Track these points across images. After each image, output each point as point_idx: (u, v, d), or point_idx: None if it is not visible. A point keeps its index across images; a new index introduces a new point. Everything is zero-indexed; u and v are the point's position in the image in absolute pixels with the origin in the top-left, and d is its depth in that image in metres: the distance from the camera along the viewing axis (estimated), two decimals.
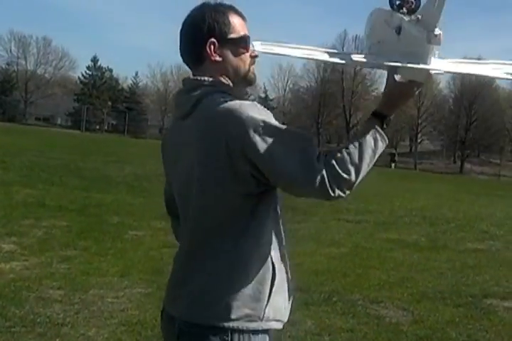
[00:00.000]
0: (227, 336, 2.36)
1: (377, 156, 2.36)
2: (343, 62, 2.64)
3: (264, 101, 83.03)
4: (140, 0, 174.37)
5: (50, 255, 8.61)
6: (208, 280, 2.40)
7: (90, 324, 6.00)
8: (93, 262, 8.44)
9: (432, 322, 7.00)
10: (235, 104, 2.31)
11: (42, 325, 5.84)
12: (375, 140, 2.35)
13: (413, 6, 2.45)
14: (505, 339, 6.70)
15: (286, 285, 2.52)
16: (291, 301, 2.57)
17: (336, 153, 2.27)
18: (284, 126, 2.31)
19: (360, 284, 8.51)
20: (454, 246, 12.79)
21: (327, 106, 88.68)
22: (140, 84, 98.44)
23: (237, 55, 2.51)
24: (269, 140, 2.24)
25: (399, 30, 2.42)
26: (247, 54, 2.53)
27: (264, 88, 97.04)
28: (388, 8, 2.56)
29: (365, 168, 2.30)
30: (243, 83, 2.58)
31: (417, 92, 2.44)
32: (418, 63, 2.27)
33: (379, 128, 2.38)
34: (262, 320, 2.39)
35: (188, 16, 2.53)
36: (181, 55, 2.58)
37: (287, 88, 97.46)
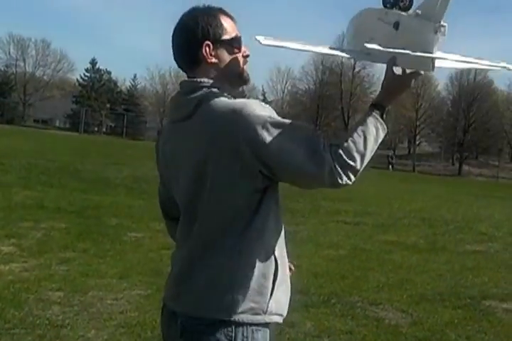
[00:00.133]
0: (231, 331, 2.40)
1: (378, 144, 2.48)
2: (348, 56, 2.87)
3: None
4: (139, 3, 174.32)
5: (49, 257, 8.61)
6: (213, 274, 2.44)
7: (90, 326, 6.01)
8: (92, 264, 8.44)
9: (431, 324, 7.00)
10: (240, 102, 2.39)
11: (41, 326, 5.84)
12: (377, 129, 2.48)
13: (407, 4, 2.60)
14: None
15: (287, 280, 2.59)
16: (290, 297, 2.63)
17: (342, 143, 2.36)
18: (288, 121, 2.39)
19: (359, 286, 8.52)
20: (452, 248, 12.79)
21: (325, 109, 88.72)
22: (138, 86, 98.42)
23: (231, 55, 2.59)
24: (277, 135, 2.32)
25: (397, 26, 2.57)
26: (240, 54, 2.61)
27: (263, 90, 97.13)
28: (378, 7, 2.72)
29: (368, 156, 2.41)
30: (239, 82, 2.67)
31: (412, 84, 2.57)
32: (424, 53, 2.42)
33: (380, 118, 2.50)
34: (265, 314, 2.46)
35: (180, 21, 2.61)
36: (175, 60, 2.65)
37: (285, 90, 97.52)
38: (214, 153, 2.38)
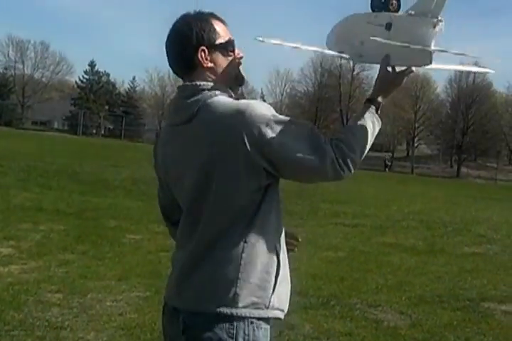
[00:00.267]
0: (233, 329, 2.44)
1: (374, 137, 2.64)
2: (346, 56, 3.03)
3: None
4: (138, 5, 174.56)
5: (48, 259, 8.61)
6: (216, 270, 2.48)
7: (89, 327, 6.01)
8: (91, 266, 8.44)
9: (430, 326, 7.00)
10: (243, 103, 2.46)
11: (41, 328, 5.84)
12: (373, 123, 2.64)
13: (396, 7, 2.79)
14: None
15: (288, 276, 2.63)
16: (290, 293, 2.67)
17: (342, 136, 2.54)
18: (289, 118, 2.49)
19: (358, 288, 8.52)
20: (451, 250, 12.80)
21: (324, 111, 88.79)
22: (137, 88, 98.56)
23: (226, 58, 2.64)
24: (281, 133, 2.42)
25: (389, 26, 2.73)
26: (234, 56, 2.67)
27: (262, 93, 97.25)
28: (364, 12, 2.92)
29: (367, 148, 2.58)
30: (236, 84, 2.71)
31: (404, 80, 2.74)
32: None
33: (375, 113, 2.68)
34: (267, 308, 2.50)
35: (174, 28, 2.65)
36: (171, 66, 2.70)
37: (284, 93, 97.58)
38: (219, 153, 2.43)
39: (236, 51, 2.68)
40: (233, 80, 2.68)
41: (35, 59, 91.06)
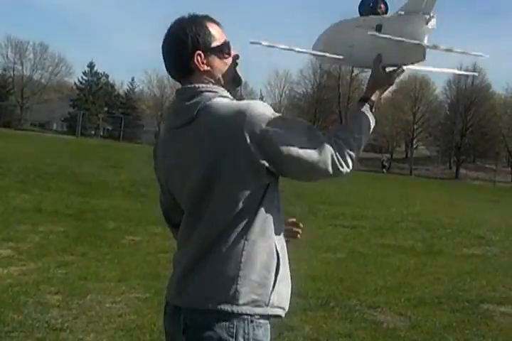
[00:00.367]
0: (233, 327, 2.46)
1: (369, 135, 2.75)
2: (339, 57, 3.11)
3: None
4: (137, 6, 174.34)
5: (47, 260, 8.61)
6: (216, 267, 2.50)
7: (89, 329, 6.01)
8: (90, 267, 8.44)
9: (429, 328, 7.01)
10: (243, 103, 2.51)
11: (40, 330, 5.85)
12: (368, 121, 2.75)
13: (384, 10, 2.94)
14: None
15: (288, 275, 2.65)
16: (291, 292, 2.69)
17: (340, 134, 2.64)
18: (289, 117, 2.60)
19: (357, 289, 8.52)
20: (450, 252, 12.82)
21: (323, 112, 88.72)
22: (136, 89, 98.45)
23: (222, 60, 2.67)
24: (282, 131, 2.48)
25: (380, 28, 2.86)
26: (231, 57, 2.70)
27: (261, 95, 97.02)
28: (351, 18, 3.08)
29: (362, 146, 2.69)
30: (233, 85, 2.74)
31: (397, 80, 2.87)
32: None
33: (369, 111, 2.78)
34: (267, 306, 2.53)
35: (169, 33, 2.68)
36: (168, 70, 2.73)
37: (283, 94, 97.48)
38: (221, 154, 2.46)
39: (232, 52, 2.71)
40: (231, 81, 2.71)
41: (34, 60, 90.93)
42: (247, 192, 2.48)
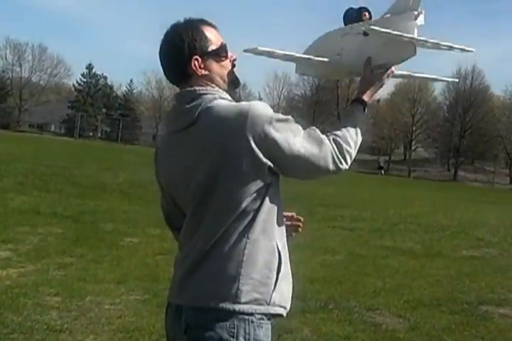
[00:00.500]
0: (234, 328, 2.47)
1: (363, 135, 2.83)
2: (326, 59, 3.22)
3: None
4: (135, 8, 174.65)
5: (46, 262, 8.60)
6: (219, 266, 2.51)
7: (88, 330, 6.01)
8: (89, 269, 8.43)
9: (429, 329, 7.01)
10: (245, 104, 2.52)
11: (40, 331, 5.84)
12: (363, 120, 2.86)
13: (368, 17, 3.07)
14: None
15: (289, 273, 2.67)
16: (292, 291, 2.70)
17: (338, 132, 2.72)
18: (289, 117, 2.60)
19: (356, 291, 8.52)
20: (449, 254, 12.81)
21: (321, 114, 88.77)
22: (135, 91, 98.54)
23: (220, 63, 2.69)
24: (283, 130, 2.52)
25: (367, 33, 2.98)
26: (228, 60, 2.72)
27: (259, 96, 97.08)
28: (337, 27, 3.21)
29: (358, 144, 2.77)
30: (231, 87, 2.75)
31: (387, 80, 2.97)
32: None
33: (363, 111, 2.88)
34: (269, 305, 2.54)
35: (165, 39, 2.69)
36: (166, 75, 2.75)
37: (282, 96, 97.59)
38: (225, 154, 2.47)
39: (229, 55, 2.73)
40: (229, 84, 2.72)
41: (32, 62, 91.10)
42: (250, 192, 2.49)
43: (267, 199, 2.55)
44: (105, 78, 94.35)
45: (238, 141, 2.44)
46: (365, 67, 2.95)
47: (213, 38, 2.66)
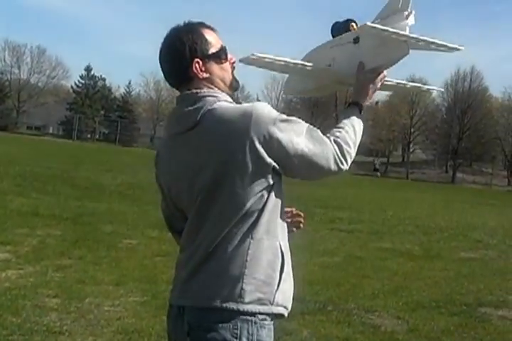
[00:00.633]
0: (237, 329, 2.47)
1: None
2: (310, 64, 3.22)
3: None
4: (134, 9, 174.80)
5: (45, 264, 8.60)
6: (222, 266, 2.52)
7: (87, 332, 6.01)
8: (88, 271, 8.43)
9: (427, 331, 7.01)
10: (248, 105, 2.55)
11: (39, 333, 5.84)
12: (360, 122, 2.89)
13: (356, 28, 3.09)
14: None
15: (291, 274, 2.68)
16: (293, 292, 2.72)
17: (338, 134, 2.74)
18: (290, 117, 2.61)
19: (355, 293, 8.52)
20: (447, 255, 12.82)
21: (320, 116, 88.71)
22: (133, 92, 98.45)
23: (220, 66, 2.70)
24: (287, 131, 2.54)
25: (357, 39, 3.05)
26: (228, 62, 2.74)
27: (257, 98, 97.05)
28: (325, 41, 3.26)
29: (357, 144, 2.80)
30: (231, 89, 2.77)
31: (380, 83, 3.02)
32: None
33: (360, 114, 2.93)
34: (272, 304, 2.55)
35: (166, 43, 2.69)
36: (166, 79, 2.76)
37: (280, 98, 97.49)
38: (230, 155, 2.48)
39: (229, 57, 2.75)
40: (229, 86, 2.74)
41: (31, 63, 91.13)
42: (255, 192, 2.51)
43: (271, 199, 2.57)
44: (103, 80, 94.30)
45: (243, 142, 2.45)
46: (359, 71, 2.98)
47: (213, 40, 2.68)
